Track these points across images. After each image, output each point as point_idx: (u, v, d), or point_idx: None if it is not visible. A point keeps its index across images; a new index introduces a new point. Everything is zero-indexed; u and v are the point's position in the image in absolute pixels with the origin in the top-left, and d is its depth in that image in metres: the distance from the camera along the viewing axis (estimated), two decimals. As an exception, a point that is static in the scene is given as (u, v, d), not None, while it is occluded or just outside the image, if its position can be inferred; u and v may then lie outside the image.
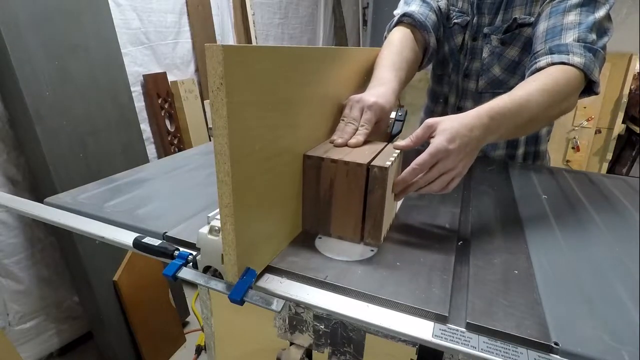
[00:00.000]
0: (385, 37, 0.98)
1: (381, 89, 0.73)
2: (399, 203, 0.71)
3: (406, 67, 0.87)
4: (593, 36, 0.75)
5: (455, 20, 1.00)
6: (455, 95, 1.07)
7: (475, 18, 0.96)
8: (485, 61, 0.97)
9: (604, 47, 0.75)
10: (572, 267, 0.54)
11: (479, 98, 1.02)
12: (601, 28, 0.76)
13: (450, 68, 1.06)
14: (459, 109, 1.07)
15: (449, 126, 0.56)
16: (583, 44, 0.73)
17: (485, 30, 0.94)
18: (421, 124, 0.60)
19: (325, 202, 0.58)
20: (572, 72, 0.71)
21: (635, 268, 0.54)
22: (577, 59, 0.72)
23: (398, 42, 0.92)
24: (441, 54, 1.08)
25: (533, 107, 0.64)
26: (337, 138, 0.63)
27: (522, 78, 0.82)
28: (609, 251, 0.59)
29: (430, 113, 1.20)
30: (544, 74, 0.72)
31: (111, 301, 1.48)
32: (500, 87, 0.98)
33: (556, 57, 0.73)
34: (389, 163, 0.53)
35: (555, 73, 0.71)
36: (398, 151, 0.59)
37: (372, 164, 0.53)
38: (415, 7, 0.97)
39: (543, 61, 0.75)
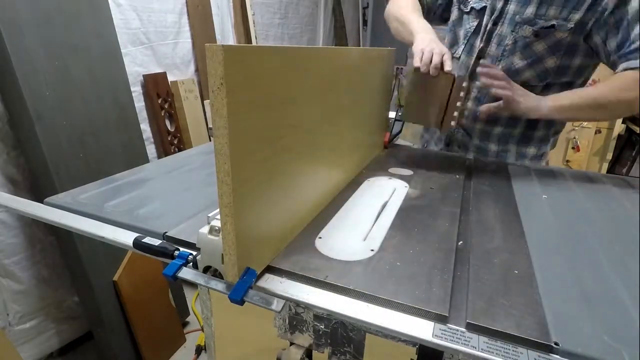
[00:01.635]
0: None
1: (439, 44, 0.91)
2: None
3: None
4: None
5: (473, 5, 1.02)
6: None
7: (500, 3, 0.97)
8: (507, 47, 0.98)
9: None
10: (572, 267, 0.54)
11: None
12: None
13: (462, 50, 1.07)
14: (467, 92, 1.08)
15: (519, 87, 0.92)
16: None
17: (517, 18, 0.95)
18: None
19: (422, 101, 0.91)
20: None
21: (635, 268, 0.54)
22: None
23: None
24: (454, 37, 1.10)
25: (599, 95, 0.87)
26: (428, 67, 0.86)
27: (535, 76, 0.96)
28: (609, 251, 0.59)
29: None
30: (613, 78, 0.87)
31: (111, 301, 1.48)
32: (513, 76, 0.98)
33: (632, 63, 0.85)
34: (463, 74, 0.94)
35: (626, 74, 0.85)
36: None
37: (457, 75, 0.87)
38: None
39: (620, 68, 0.87)
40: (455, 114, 0.88)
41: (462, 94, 0.86)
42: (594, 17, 0.87)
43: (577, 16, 0.87)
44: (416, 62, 0.88)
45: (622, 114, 0.96)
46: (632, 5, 0.84)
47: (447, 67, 0.87)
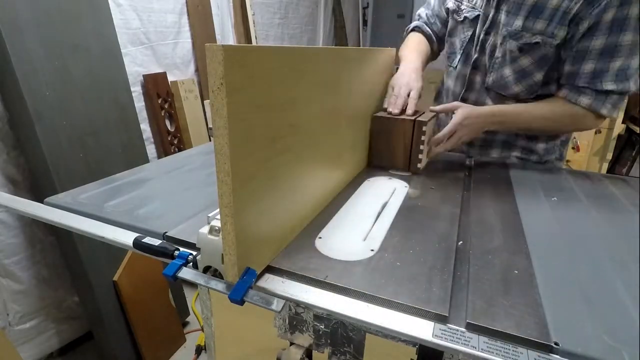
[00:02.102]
0: (403, 38, 1.23)
1: (415, 73, 0.99)
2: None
3: (424, 57, 1.12)
4: (605, 85, 0.85)
5: (466, 15, 1.02)
6: (461, 86, 1.08)
7: (491, 13, 0.96)
8: (497, 60, 0.98)
9: (622, 91, 0.85)
10: (572, 266, 0.54)
11: (484, 93, 1.03)
12: (621, 72, 0.84)
13: (459, 60, 1.08)
14: (463, 101, 1.07)
15: (466, 112, 0.90)
16: (594, 90, 0.87)
17: (504, 31, 0.93)
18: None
19: (386, 145, 0.92)
20: (578, 110, 0.89)
21: (635, 268, 0.54)
22: (585, 101, 0.88)
23: (416, 39, 1.16)
24: (452, 47, 1.10)
25: (532, 126, 0.95)
26: (393, 109, 0.92)
27: (525, 89, 0.96)
28: (609, 251, 0.59)
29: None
30: (552, 104, 0.93)
31: (111, 301, 1.48)
32: (504, 89, 0.98)
33: (570, 96, 0.90)
34: (427, 119, 0.87)
35: (563, 108, 0.91)
36: (433, 115, 0.93)
37: (417, 119, 0.87)
38: (426, 13, 1.19)
39: (560, 95, 0.92)
40: (421, 156, 0.89)
41: (423, 138, 0.87)
42: (572, 33, 0.85)
43: (562, 33, 0.85)
44: (385, 103, 0.97)
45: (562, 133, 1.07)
46: (597, 42, 0.83)
47: (409, 110, 0.92)
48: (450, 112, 0.94)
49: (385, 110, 0.95)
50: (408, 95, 0.94)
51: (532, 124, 0.94)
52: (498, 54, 0.97)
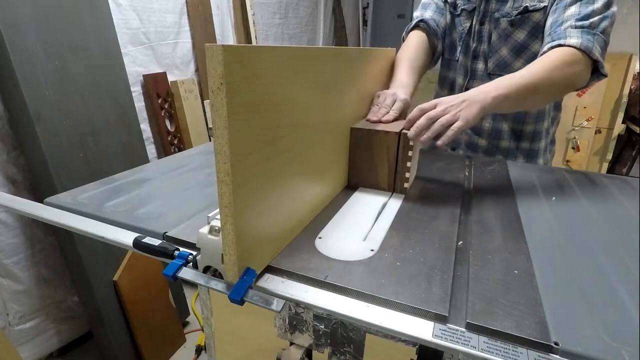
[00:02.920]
0: (403, 39, 1.15)
1: (403, 88, 0.91)
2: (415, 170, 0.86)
3: (419, 71, 1.04)
4: (590, 21, 0.82)
5: (463, 7, 1.06)
6: (464, 77, 1.11)
7: (482, 4, 1.01)
8: (494, 43, 1.02)
9: (604, 31, 0.83)
10: (572, 266, 0.54)
11: (488, 79, 1.05)
12: (601, 14, 0.83)
13: (459, 51, 1.10)
14: (467, 90, 1.08)
15: (449, 98, 0.72)
16: (580, 29, 0.82)
17: (496, 14, 0.99)
18: None
19: (366, 162, 0.78)
20: (570, 51, 0.80)
21: (635, 268, 0.54)
22: (573, 41, 0.81)
23: (414, 46, 1.07)
24: (449, 40, 1.13)
25: (532, 76, 0.76)
26: (373, 117, 0.82)
27: (526, 63, 0.92)
28: (609, 251, 0.59)
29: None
30: (543, 56, 0.82)
31: (111, 301, 1.48)
32: (506, 69, 1.02)
33: (555, 43, 0.82)
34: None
35: (554, 52, 0.81)
36: None
37: (402, 131, 0.73)
38: (429, 14, 1.11)
39: (545, 47, 0.85)
40: (408, 174, 0.76)
41: (410, 153, 0.73)
42: None
43: None
44: (369, 114, 0.84)
45: (562, 94, 0.92)
46: None
47: (388, 117, 0.80)
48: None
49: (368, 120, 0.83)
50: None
51: (538, 86, 0.76)
52: (494, 38, 1.01)
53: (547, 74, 0.77)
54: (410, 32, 1.13)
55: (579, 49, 0.80)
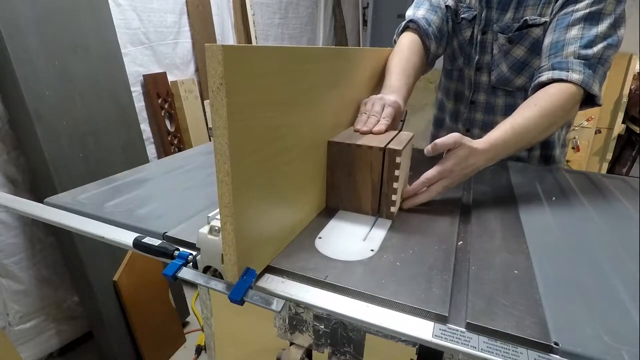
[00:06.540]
0: (395, 41, 1.06)
1: (394, 95, 0.81)
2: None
3: (413, 73, 0.96)
4: (594, 50, 0.78)
5: (463, 15, 1.01)
6: (469, 89, 1.07)
7: (484, 12, 0.96)
8: (495, 57, 0.98)
9: (606, 60, 0.79)
10: (572, 267, 0.54)
11: (492, 92, 1.03)
12: (604, 40, 0.79)
13: (461, 62, 1.07)
14: (472, 103, 1.08)
15: (462, 154, 0.67)
16: (583, 61, 0.78)
17: (495, 27, 0.95)
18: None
19: (347, 181, 0.67)
20: (571, 88, 0.77)
21: (635, 268, 0.54)
22: (575, 76, 0.77)
23: (407, 48, 0.99)
24: (450, 49, 1.09)
25: (533, 133, 0.74)
26: (362, 127, 0.72)
27: (528, 79, 0.90)
28: (609, 251, 0.59)
29: (442, 109, 1.20)
30: (543, 95, 0.78)
31: (111, 301, 1.48)
32: (508, 84, 0.99)
33: (557, 74, 0.78)
34: (401, 147, 0.62)
35: (554, 92, 0.77)
36: (410, 137, 0.70)
37: (388, 146, 0.62)
38: (422, 13, 1.03)
39: (544, 76, 0.80)
40: (395, 197, 0.64)
41: (397, 172, 0.63)
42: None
43: (548, 10, 0.86)
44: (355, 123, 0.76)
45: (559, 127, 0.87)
46: (583, 4, 0.79)
47: (378, 127, 0.71)
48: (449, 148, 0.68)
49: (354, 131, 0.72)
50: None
51: (530, 130, 0.74)
52: (495, 50, 0.97)
53: (547, 122, 0.75)
54: (402, 35, 1.05)
55: (579, 85, 0.77)
